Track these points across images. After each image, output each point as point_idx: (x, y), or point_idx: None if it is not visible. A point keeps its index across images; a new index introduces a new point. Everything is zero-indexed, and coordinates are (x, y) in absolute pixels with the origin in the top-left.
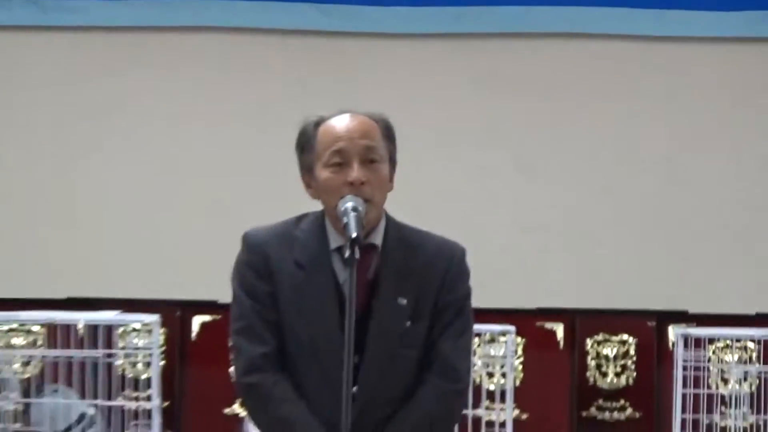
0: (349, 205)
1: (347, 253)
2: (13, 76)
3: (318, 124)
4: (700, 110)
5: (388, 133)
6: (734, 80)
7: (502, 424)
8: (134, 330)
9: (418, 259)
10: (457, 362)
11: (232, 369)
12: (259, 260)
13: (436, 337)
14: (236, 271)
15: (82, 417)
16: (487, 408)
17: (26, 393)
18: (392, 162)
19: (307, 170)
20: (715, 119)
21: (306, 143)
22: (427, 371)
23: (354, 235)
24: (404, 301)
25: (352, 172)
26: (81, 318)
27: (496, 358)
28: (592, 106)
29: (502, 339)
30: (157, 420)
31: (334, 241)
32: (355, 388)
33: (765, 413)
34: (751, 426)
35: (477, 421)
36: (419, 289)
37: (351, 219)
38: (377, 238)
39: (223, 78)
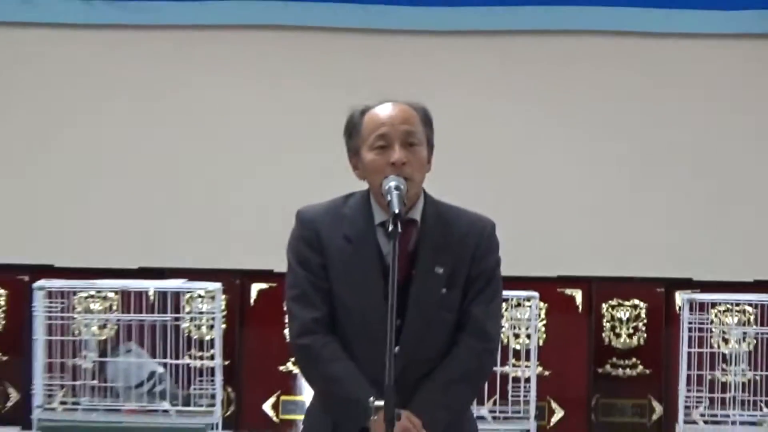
0: (392, 184)
1: (390, 228)
2: (108, 70)
3: (364, 112)
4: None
5: (426, 119)
6: None
7: (527, 380)
8: (199, 296)
9: (453, 233)
10: (488, 325)
11: (286, 331)
12: (311, 235)
13: (469, 302)
14: (291, 244)
15: (152, 374)
16: (514, 365)
17: (103, 353)
18: (430, 145)
19: (354, 153)
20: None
21: (353, 129)
22: (461, 333)
23: (396, 210)
24: (441, 271)
25: (394, 154)
26: (151, 286)
27: (522, 320)
28: (608, 89)
29: (527, 304)
30: (219, 377)
31: (378, 216)
32: (397, 348)
33: (761, 369)
34: (749, 381)
35: (504, 377)
36: (454, 259)
37: (394, 196)
38: (417, 214)
39: (278, 72)
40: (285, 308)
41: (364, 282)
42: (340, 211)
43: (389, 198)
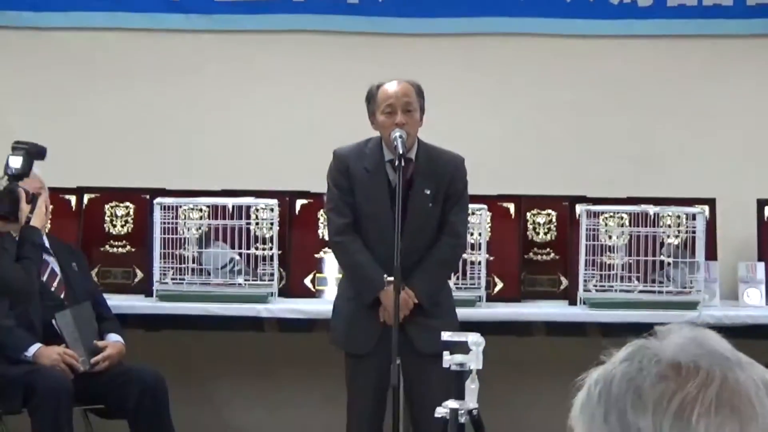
0: (397, 134)
1: (396, 163)
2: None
3: (378, 87)
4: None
5: (419, 92)
6: None
7: (479, 263)
8: (262, 208)
9: (437, 166)
10: (459, 228)
11: (320, 232)
12: (343, 167)
13: (446, 212)
14: (329, 172)
15: (231, 260)
16: (470, 253)
17: (200, 245)
18: (421, 110)
19: (371, 114)
20: None
21: (371, 98)
22: (441, 233)
23: (401, 152)
24: (428, 192)
25: (397, 117)
26: (230, 202)
27: (476, 224)
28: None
29: (479, 213)
30: (275, 262)
31: (387, 155)
32: (400, 243)
33: (633, 256)
34: (624, 263)
35: (464, 261)
36: (437, 184)
37: (399, 143)
38: (412, 154)
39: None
40: (323, 217)
41: (378, 199)
42: (362, 151)
43: (395, 144)
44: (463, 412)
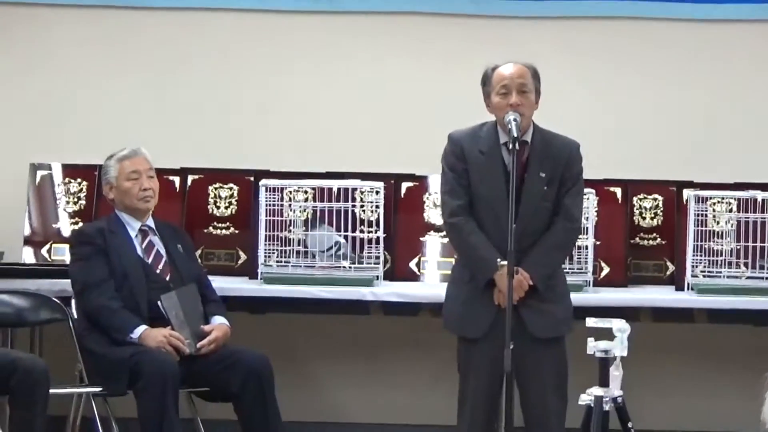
0: (512, 116)
1: (511, 146)
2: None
3: (494, 69)
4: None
5: (535, 74)
6: None
7: (587, 247)
8: (368, 191)
9: (552, 150)
10: (574, 211)
11: (425, 214)
12: (458, 149)
13: (562, 196)
14: (444, 156)
15: (337, 243)
16: (579, 237)
17: (305, 228)
18: (537, 92)
19: (487, 96)
20: None
21: (487, 80)
22: (556, 216)
23: (515, 134)
24: (543, 175)
25: (512, 98)
26: (336, 184)
27: (586, 208)
28: None
29: (586, 197)
30: (381, 245)
31: (502, 138)
32: (514, 226)
33: (741, 242)
34: (732, 249)
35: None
36: (552, 167)
37: (513, 125)
38: (528, 137)
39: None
40: (428, 200)
41: (493, 181)
42: (477, 134)
43: (510, 126)
44: (607, 399)
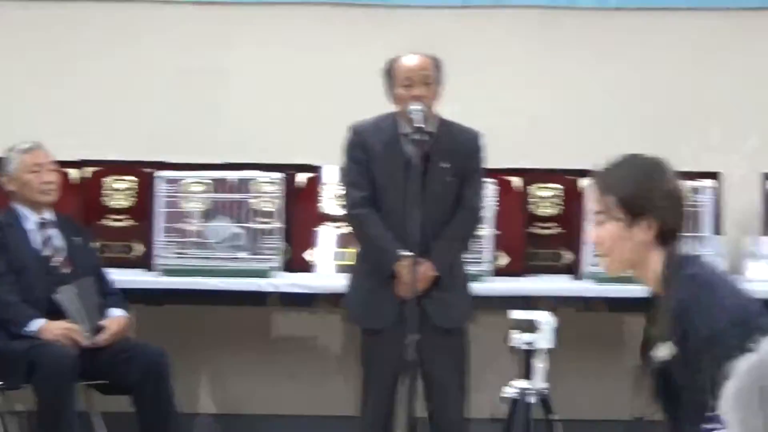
0: (416, 107)
1: (414, 137)
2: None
3: (396, 60)
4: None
5: (438, 66)
6: None
7: (485, 237)
8: (265, 182)
9: (455, 141)
10: (477, 201)
11: (322, 205)
12: (360, 141)
13: (464, 187)
14: (346, 147)
15: (234, 234)
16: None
17: (203, 219)
18: (439, 84)
19: (389, 88)
20: None
21: (389, 72)
22: (458, 207)
23: (419, 126)
24: (446, 165)
25: (416, 90)
26: (233, 175)
27: (486, 198)
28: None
29: (490, 186)
30: (278, 235)
31: (405, 129)
32: (417, 217)
33: None
34: None
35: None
36: (455, 158)
37: (417, 116)
38: (430, 128)
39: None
40: (325, 191)
41: (395, 173)
42: (379, 125)
43: (413, 117)
44: (532, 391)
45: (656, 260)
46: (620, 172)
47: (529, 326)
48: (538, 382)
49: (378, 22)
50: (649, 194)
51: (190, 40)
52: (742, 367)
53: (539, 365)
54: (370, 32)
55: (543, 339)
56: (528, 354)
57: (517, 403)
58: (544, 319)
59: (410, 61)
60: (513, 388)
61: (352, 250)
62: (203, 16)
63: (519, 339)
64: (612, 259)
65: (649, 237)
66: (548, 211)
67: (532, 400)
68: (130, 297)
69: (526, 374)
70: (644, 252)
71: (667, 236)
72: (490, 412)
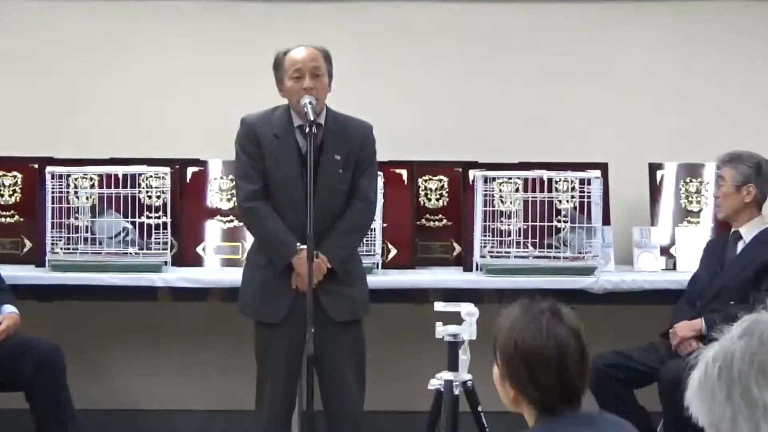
0: (307, 100)
1: (306, 129)
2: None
3: (285, 53)
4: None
5: (327, 57)
6: None
7: (374, 230)
8: (153, 176)
9: (346, 132)
10: (370, 193)
11: (209, 199)
12: (251, 134)
13: (357, 178)
14: (237, 139)
15: (123, 229)
16: None
17: (92, 214)
18: (330, 75)
19: (279, 81)
20: None
21: (278, 65)
22: (352, 198)
23: (311, 117)
24: (338, 157)
25: (306, 82)
26: (121, 170)
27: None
28: None
29: (379, 178)
30: (168, 230)
31: (296, 121)
32: (311, 209)
33: (528, 221)
34: (520, 229)
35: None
36: (347, 149)
37: (308, 108)
38: (322, 119)
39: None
40: (213, 185)
41: (288, 165)
42: (270, 118)
43: (305, 110)
44: (457, 383)
45: None
46: None
47: (454, 318)
48: (463, 373)
49: (263, 16)
50: None
51: (76, 37)
52: (708, 355)
53: (463, 357)
54: (256, 26)
55: (466, 331)
56: (452, 346)
57: (441, 395)
58: (467, 310)
59: (299, 53)
60: (438, 380)
61: (238, 244)
62: (90, 13)
63: (443, 331)
64: None
65: None
66: (436, 202)
67: (457, 391)
68: (22, 293)
69: (452, 366)
70: None
71: None
72: (416, 404)
